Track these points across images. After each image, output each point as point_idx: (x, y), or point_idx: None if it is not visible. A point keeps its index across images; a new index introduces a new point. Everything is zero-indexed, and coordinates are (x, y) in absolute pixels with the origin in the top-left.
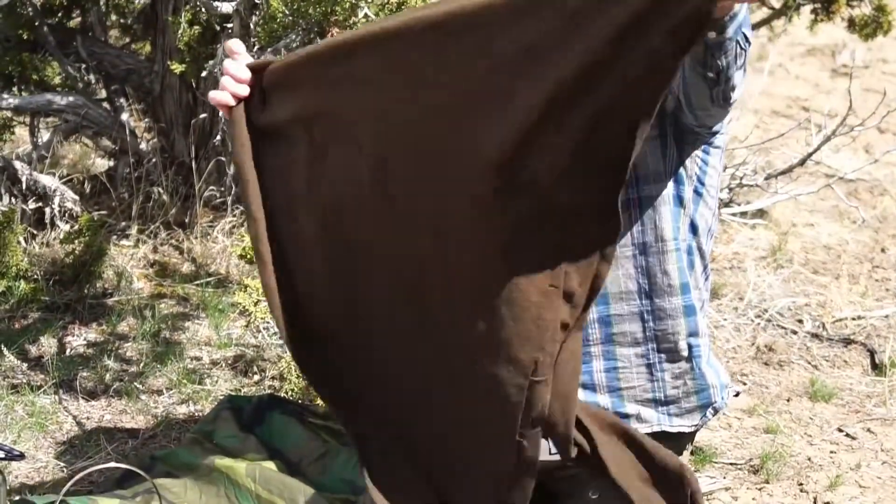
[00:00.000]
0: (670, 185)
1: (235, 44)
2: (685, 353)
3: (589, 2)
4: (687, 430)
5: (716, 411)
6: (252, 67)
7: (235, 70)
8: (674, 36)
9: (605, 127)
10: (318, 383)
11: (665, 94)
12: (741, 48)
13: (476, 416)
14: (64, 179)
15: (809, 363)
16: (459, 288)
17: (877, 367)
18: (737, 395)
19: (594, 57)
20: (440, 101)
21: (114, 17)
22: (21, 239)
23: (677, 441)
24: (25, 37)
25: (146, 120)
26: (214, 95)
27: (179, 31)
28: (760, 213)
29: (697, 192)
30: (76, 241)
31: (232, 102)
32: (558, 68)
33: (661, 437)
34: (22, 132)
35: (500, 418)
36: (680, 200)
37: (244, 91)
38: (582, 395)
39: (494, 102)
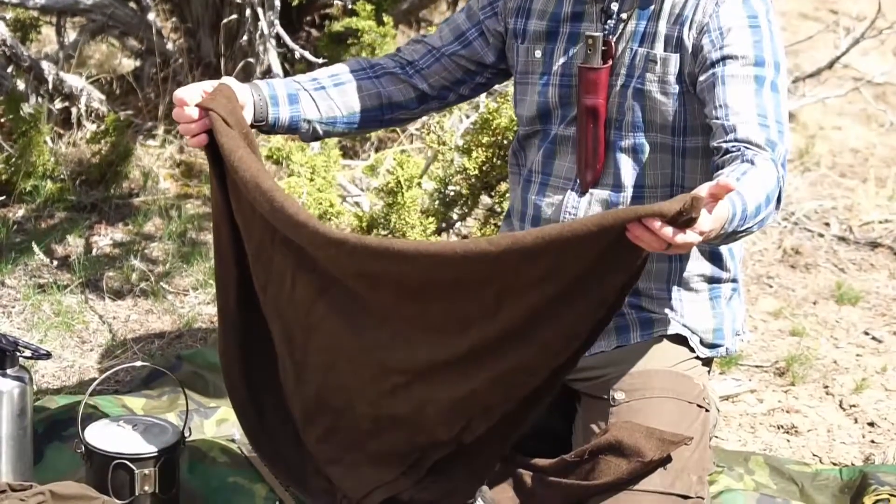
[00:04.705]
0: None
1: (181, 93)
2: (707, 294)
3: (528, 279)
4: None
5: (727, 352)
6: (200, 106)
7: (179, 116)
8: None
9: (508, 383)
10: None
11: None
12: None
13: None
14: (90, 79)
15: (836, 266)
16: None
17: None
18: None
19: (512, 328)
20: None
21: None
22: (48, 139)
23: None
24: None
25: (173, 20)
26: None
27: None
28: (788, 116)
29: None
30: (102, 141)
31: (199, 141)
32: (480, 332)
33: (678, 340)
34: (48, 32)
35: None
36: None
37: (197, 128)
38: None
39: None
